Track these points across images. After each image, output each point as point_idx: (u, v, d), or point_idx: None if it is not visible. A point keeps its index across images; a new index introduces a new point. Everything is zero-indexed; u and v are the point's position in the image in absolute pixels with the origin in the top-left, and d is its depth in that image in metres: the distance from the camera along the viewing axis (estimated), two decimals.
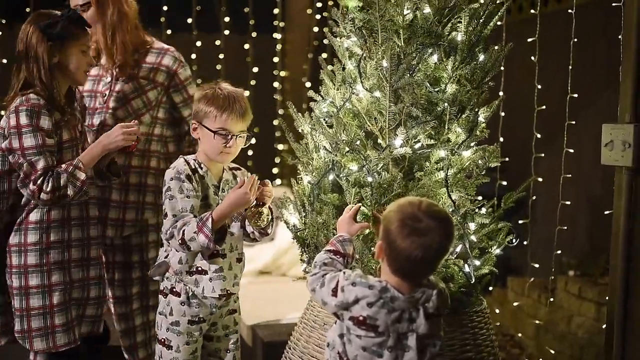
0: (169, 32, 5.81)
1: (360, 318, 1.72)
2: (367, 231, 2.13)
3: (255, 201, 2.24)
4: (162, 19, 5.73)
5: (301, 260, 2.41)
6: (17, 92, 2.40)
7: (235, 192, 2.18)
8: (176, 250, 2.26)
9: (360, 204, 2.08)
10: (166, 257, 2.32)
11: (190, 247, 2.17)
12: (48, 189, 2.31)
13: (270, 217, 2.31)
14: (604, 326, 2.60)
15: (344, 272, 1.79)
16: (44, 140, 2.33)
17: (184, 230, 2.16)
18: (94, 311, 2.60)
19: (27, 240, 2.42)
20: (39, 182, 2.31)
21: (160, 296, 2.35)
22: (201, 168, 2.29)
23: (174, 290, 2.30)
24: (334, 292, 1.76)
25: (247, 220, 2.32)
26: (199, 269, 2.28)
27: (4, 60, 5.53)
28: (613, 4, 2.54)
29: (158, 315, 2.34)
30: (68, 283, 2.48)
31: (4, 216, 2.46)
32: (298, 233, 2.35)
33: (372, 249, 2.14)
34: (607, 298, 2.65)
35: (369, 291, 1.72)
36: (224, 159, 2.31)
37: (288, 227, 2.39)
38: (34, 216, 2.42)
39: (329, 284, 1.79)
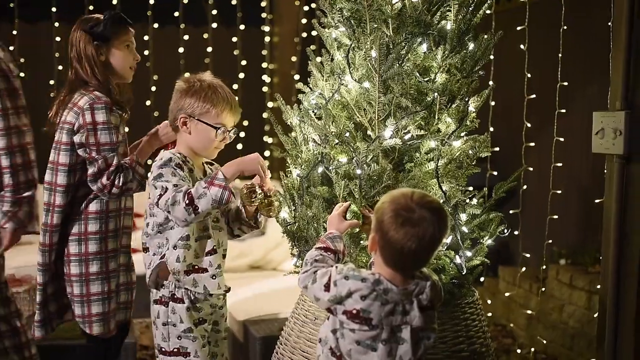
0: (155, 25, 5.76)
1: (354, 311, 1.70)
2: (356, 229, 2.10)
3: (262, 193, 2.25)
4: (149, 13, 5.68)
5: (292, 254, 2.39)
6: (76, 90, 2.50)
7: (250, 156, 2.24)
8: (176, 223, 2.15)
9: (350, 202, 2.06)
10: (162, 257, 2.24)
11: (198, 208, 2.06)
12: (120, 184, 2.41)
13: (280, 206, 2.30)
14: (595, 315, 2.60)
15: (336, 267, 1.78)
16: (117, 137, 2.45)
17: (189, 192, 2.07)
18: (128, 297, 2.65)
19: (88, 229, 2.49)
20: (112, 177, 2.40)
21: (156, 306, 2.28)
22: (188, 162, 2.25)
23: (175, 297, 2.24)
24: (327, 287, 1.75)
25: (259, 211, 2.31)
26: (196, 267, 2.24)
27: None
28: None
29: (162, 327, 2.26)
30: (118, 269, 2.57)
31: (65, 208, 2.49)
32: (288, 227, 2.33)
33: (362, 242, 2.12)
34: (598, 287, 2.64)
35: (362, 284, 1.70)
36: (214, 153, 2.32)
37: (278, 221, 2.37)
38: (94, 207, 2.50)
39: (320, 279, 1.77)
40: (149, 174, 2.25)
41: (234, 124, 2.31)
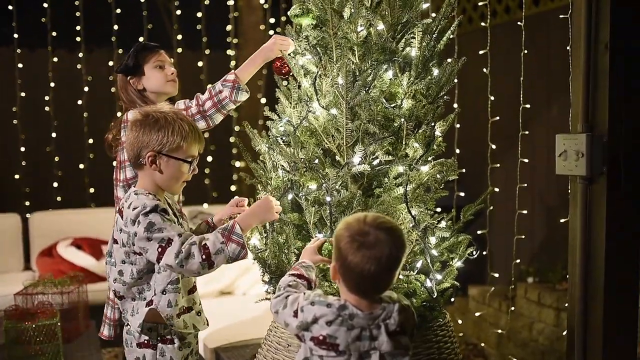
0: (120, 51, 5.74)
1: (320, 337, 1.70)
2: (327, 266, 2.09)
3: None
4: (113, 39, 5.66)
5: (263, 280, 2.38)
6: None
7: (264, 204, 2.13)
8: (177, 289, 2.09)
9: (326, 239, 2.06)
10: (148, 304, 2.12)
11: (214, 263, 1.99)
12: None
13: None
14: (564, 332, 2.63)
15: (304, 293, 1.78)
16: None
17: (205, 245, 1.98)
18: None
19: None
20: None
21: (141, 350, 2.16)
22: (159, 201, 2.11)
23: (165, 338, 2.15)
24: (295, 313, 1.75)
25: None
26: (183, 307, 2.16)
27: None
28: (561, 16, 2.59)
29: None
30: None
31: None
32: (259, 254, 2.32)
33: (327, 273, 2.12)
34: (566, 305, 2.68)
35: (327, 309, 1.70)
36: (181, 187, 2.21)
37: (249, 248, 2.35)
38: None
39: (291, 305, 1.77)
40: (122, 223, 2.09)
41: (199, 152, 2.19)
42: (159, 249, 1.98)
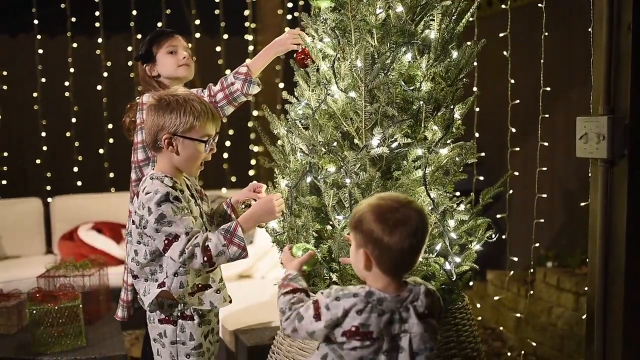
0: (139, 36, 5.76)
1: (353, 329, 1.66)
2: (315, 264, 2.07)
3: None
4: (132, 24, 5.68)
5: (281, 263, 2.39)
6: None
7: (266, 206, 2.17)
8: (188, 271, 2.14)
9: (291, 245, 2.05)
10: (160, 286, 2.17)
11: (215, 264, 2.08)
12: None
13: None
14: (583, 316, 2.62)
15: (322, 292, 1.74)
16: None
17: (207, 246, 2.05)
18: None
19: None
20: None
21: (162, 326, 2.23)
22: (176, 183, 2.17)
23: (185, 314, 2.21)
24: (317, 316, 1.70)
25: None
26: (199, 286, 2.22)
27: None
28: None
29: (170, 346, 2.22)
30: None
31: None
32: (277, 237, 2.34)
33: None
34: (585, 288, 2.67)
35: (354, 299, 1.67)
36: (200, 169, 2.24)
37: (267, 231, 2.37)
38: None
39: (306, 313, 1.73)
40: (137, 205, 2.13)
41: (216, 132, 2.22)
42: (166, 242, 2.06)
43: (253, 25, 6.05)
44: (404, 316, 1.69)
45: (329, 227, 2.24)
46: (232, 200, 2.39)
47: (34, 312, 3.10)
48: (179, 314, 2.22)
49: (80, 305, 3.21)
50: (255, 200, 2.26)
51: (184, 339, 2.22)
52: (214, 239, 2.07)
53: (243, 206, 2.36)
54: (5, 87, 5.61)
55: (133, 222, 2.19)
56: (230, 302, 2.34)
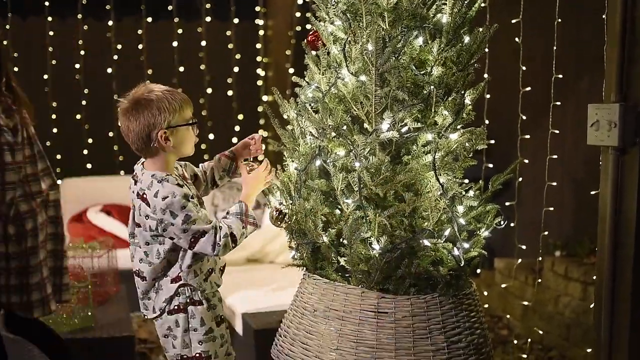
0: (149, 19, 5.75)
1: None
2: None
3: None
4: (142, 7, 5.67)
5: (289, 247, 2.40)
6: None
7: (252, 179, 2.33)
8: (199, 260, 2.24)
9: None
10: (174, 281, 2.23)
11: (237, 244, 2.22)
12: None
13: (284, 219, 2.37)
14: (591, 306, 2.62)
15: None
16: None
17: (232, 234, 2.18)
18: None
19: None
20: None
21: (173, 316, 2.26)
22: (177, 177, 2.23)
23: (194, 300, 2.25)
24: None
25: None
26: (210, 270, 2.30)
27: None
28: None
29: (183, 334, 2.25)
30: None
31: None
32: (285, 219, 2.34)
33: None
34: (593, 278, 2.66)
35: None
36: (193, 148, 2.30)
37: (272, 221, 2.38)
38: None
39: None
40: (151, 210, 2.16)
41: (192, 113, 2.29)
42: (192, 239, 2.15)
43: (264, 10, 6.03)
44: None
45: (337, 211, 2.24)
46: (235, 154, 2.45)
47: None
48: (187, 301, 2.25)
49: (90, 286, 3.24)
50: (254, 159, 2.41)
51: (195, 325, 2.25)
52: (234, 225, 2.20)
53: (252, 163, 2.43)
54: (15, 69, 5.62)
55: (138, 225, 2.23)
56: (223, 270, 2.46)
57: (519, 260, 4.09)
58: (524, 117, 3.39)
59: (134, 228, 2.26)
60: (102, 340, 3.13)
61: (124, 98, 2.23)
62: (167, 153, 2.21)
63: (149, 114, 2.15)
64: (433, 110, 2.16)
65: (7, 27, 5.52)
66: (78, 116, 5.77)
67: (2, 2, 5.45)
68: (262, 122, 6.14)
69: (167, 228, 2.14)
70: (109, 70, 5.71)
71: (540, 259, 3.72)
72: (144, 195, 2.18)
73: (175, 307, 2.25)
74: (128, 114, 2.18)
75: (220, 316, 2.34)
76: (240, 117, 6.06)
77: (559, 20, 3.11)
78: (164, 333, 2.29)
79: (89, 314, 3.23)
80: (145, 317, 2.34)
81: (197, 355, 2.27)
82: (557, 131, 3.28)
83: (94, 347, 3.13)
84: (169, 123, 2.17)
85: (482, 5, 2.30)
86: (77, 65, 5.69)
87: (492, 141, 3.09)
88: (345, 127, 2.20)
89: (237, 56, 6.07)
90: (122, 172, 5.79)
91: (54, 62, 5.66)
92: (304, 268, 2.36)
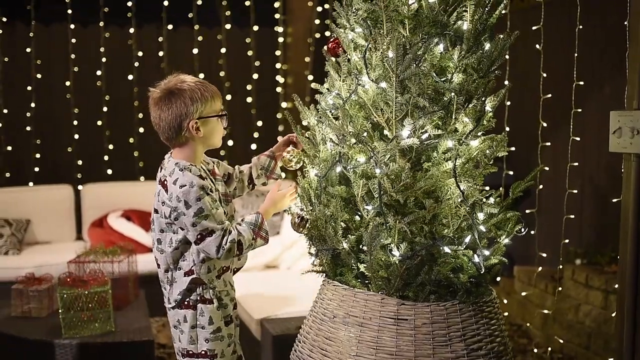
0: (170, 27, 5.81)
1: None
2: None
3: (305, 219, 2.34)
4: (163, 14, 5.72)
5: (309, 253, 2.41)
6: None
7: (276, 194, 2.36)
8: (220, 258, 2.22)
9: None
10: (187, 274, 2.25)
11: (242, 254, 2.24)
12: None
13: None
14: (613, 314, 2.59)
15: None
16: None
17: (239, 242, 2.18)
18: None
19: None
20: None
21: (182, 311, 2.29)
22: (201, 169, 2.26)
23: (204, 298, 2.27)
24: None
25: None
26: (224, 268, 2.32)
27: (5, 59, 5.57)
28: None
29: (190, 330, 2.28)
30: None
31: None
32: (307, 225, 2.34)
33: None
34: (616, 286, 2.63)
35: None
36: (221, 140, 2.36)
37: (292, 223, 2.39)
38: None
39: None
40: (168, 197, 2.17)
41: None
42: (199, 236, 2.15)
43: (283, 17, 6.06)
44: None
45: (357, 218, 2.24)
46: (274, 153, 2.54)
47: (65, 296, 3.16)
48: (197, 298, 2.27)
49: (110, 291, 3.26)
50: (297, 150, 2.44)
51: (204, 322, 2.28)
52: (245, 235, 2.20)
53: (292, 158, 2.46)
54: (39, 76, 5.70)
55: (156, 211, 2.25)
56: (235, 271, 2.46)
57: (539, 268, 4.07)
58: (545, 124, 3.37)
59: (153, 214, 2.29)
60: (121, 344, 3.15)
61: (155, 88, 2.26)
62: (196, 143, 2.25)
63: (181, 104, 2.18)
64: (453, 117, 2.15)
65: (31, 34, 5.60)
66: (99, 122, 5.83)
67: (25, 10, 5.53)
68: (281, 128, 6.16)
69: (179, 217, 2.16)
70: (130, 77, 5.77)
71: (560, 267, 3.69)
72: (165, 182, 2.20)
73: (186, 303, 2.28)
74: (160, 102, 2.21)
75: (230, 316, 2.35)
76: (259, 123, 6.08)
77: (580, 27, 3.09)
78: (174, 324, 2.33)
79: (109, 318, 3.25)
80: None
81: (203, 352, 2.29)
82: (578, 138, 3.26)
83: (114, 351, 3.15)
84: (200, 113, 2.21)
85: (503, 12, 2.29)
86: (99, 72, 5.76)
87: (513, 148, 3.08)
88: (365, 134, 2.20)
89: (257, 63, 6.10)
90: (142, 178, 5.84)
91: (76, 69, 5.73)
92: (324, 274, 2.36)
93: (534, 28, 3.27)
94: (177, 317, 2.30)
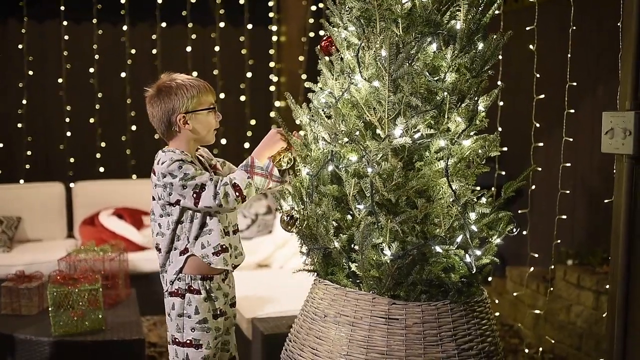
0: (163, 24, 5.78)
1: None
2: None
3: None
4: (157, 12, 5.70)
5: (301, 252, 2.40)
6: None
7: (271, 136, 2.37)
8: (208, 232, 2.28)
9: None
10: (182, 253, 2.31)
11: (246, 197, 2.23)
12: None
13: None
14: (603, 315, 2.60)
15: None
16: None
17: (235, 183, 2.21)
18: None
19: None
20: None
21: (171, 299, 2.34)
22: (187, 156, 2.31)
23: (192, 288, 2.32)
24: None
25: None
26: (223, 246, 2.32)
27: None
28: None
29: (177, 318, 2.32)
30: None
31: None
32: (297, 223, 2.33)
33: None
34: (606, 287, 2.64)
35: None
36: (214, 136, 2.42)
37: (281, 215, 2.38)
38: None
39: None
40: (156, 178, 2.28)
41: (215, 101, 2.41)
42: (194, 195, 2.21)
43: (277, 16, 6.05)
44: None
45: (349, 217, 2.24)
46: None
47: (55, 294, 3.14)
48: (186, 287, 2.31)
49: (100, 289, 3.24)
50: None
51: (190, 312, 2.31)
52: (238, 176, 2.24)
53: (283, 158, 2.42)
54: (31, 73, 5.67)
55: (153, 199, 2.34)
56: (243, 257, 2.47)
57: (531, 269, 4.07)
58: (538, 125, 3.37)
59: (152, 203, 2.36)
60: (112, 343, 3.13)
61: (150, 87, 2.37)
62: (187, 138, 2.33)
63: (167, 100, 2.30)
64: (446, 117, 2.15)
65: (23, 31, 5.57)
66: (91, 120, 5.81)
67: (18, 7, 5.50)
68: (274, 127, 6.15)
69: (172, 191, 2.23)
70: (123, 74, 5.74)
71: (552, 267, 3.69)
72: (154, 168, 2.29)
73: (174, 290, 2.33)
74: (152, 100, 2.34)
75: (220, 310, 2.37)
76: (253, 122, 6.07)
77: (574, 27, 3.09)
78: (167, 311, 2.37)
79: (100, 316, 3.24)
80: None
81: (188, 341, 2.32)
82: (570, 139, 3.26)
83: (104, 350, 3.13)
84: (187, 108, 2.29)
85: (496, 12, 2.29)
86: (92, 70, 5.73)
87: (505, 148, 3.08)
88: (357, 133, 2.19)
89: (250, 62, 6.09)
90: (134, 176, 5.82)
91: (68, 66, 5.70)
92: (315, 273, 2.35)
93: (527, 28, 3.27)
94: (169, 304, 2.35)
